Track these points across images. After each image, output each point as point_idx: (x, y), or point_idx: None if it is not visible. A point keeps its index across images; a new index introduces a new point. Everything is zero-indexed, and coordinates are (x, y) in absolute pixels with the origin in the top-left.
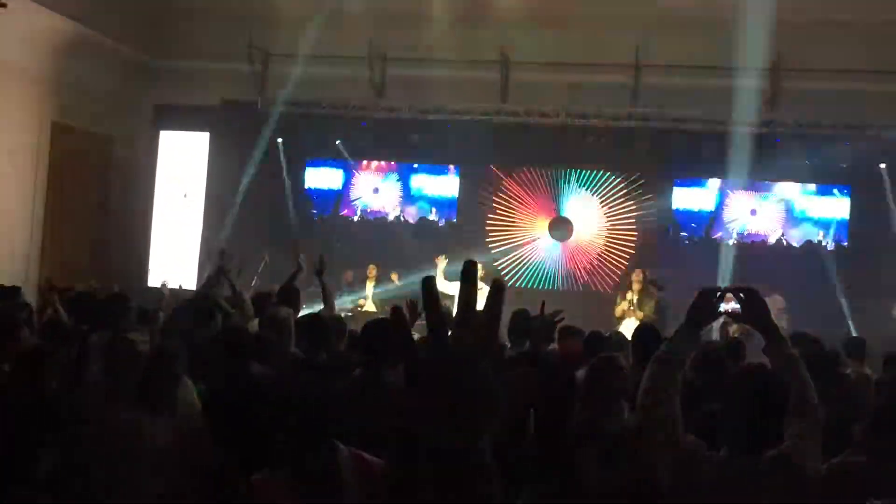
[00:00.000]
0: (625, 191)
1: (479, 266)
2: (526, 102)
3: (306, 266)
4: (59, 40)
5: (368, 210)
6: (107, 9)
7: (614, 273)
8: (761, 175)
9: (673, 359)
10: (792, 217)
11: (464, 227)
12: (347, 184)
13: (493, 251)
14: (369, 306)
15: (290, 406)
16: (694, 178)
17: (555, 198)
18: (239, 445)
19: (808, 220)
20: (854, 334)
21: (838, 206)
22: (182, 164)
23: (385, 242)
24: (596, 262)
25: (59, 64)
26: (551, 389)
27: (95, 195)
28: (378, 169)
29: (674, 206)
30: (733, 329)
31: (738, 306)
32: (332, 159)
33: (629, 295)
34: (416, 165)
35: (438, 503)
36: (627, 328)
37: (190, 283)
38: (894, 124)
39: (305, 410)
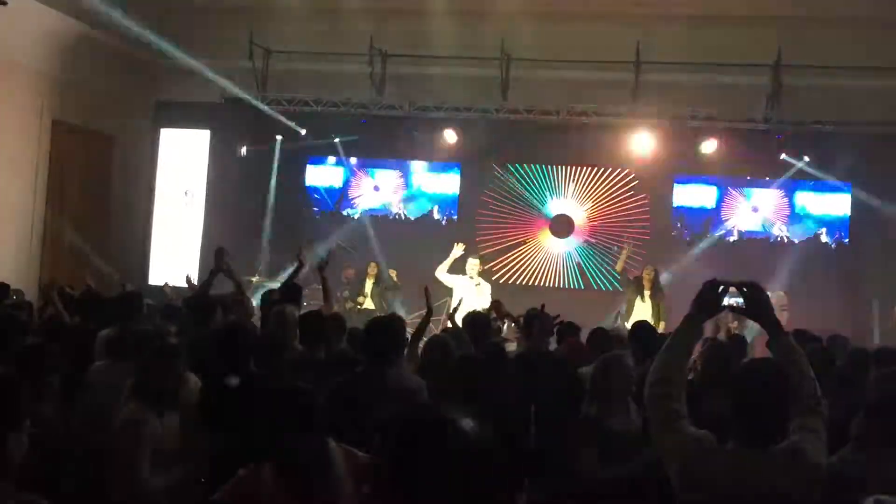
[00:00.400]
0: (625, 188)
1: (478, 263)
2: (526, 99)
3: (307, 263)
4: (59, 38)
5: (369, 207)
6: (107, 7)
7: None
8: (762, 172)
9: (679, 350)
10: (793, 214)
11: (464, 224)
12: (348, 181)
13: (493, 248)
14: (368, 304)
15: (290, 403)
16: (694, 176)
17: (556, 195)
18: (237, 441)
19: (809, 217)
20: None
21: (839, 203)
22: (183, 161)
23: (386, 240)
24: (596, 259)
25: (61, 62)
26: (554, 386)
27: (96, 193)
28: (378, 166)
29: (674, 204)
30: (733, 326)
31: (741, 300)
32: (334, 157)
33: (645, 293)
34: (416, 163)
35: (429, 497)
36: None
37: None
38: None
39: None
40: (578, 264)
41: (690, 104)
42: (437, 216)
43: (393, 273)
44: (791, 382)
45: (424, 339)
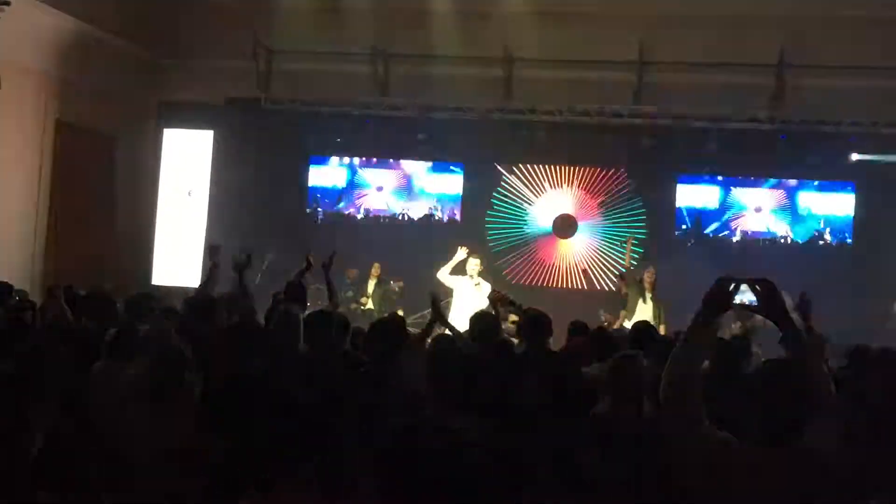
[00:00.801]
0: (628, 188)
1: (479, 262)
2: (529, 99)
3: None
4: (62, 39)
5: (372, 208)
6: (111, 7)
7: (617, 270)
8: (766, 172)
9: (693, 349)
10: (796, 214)
11: (468, 225)
12: (351, 181)
13: (495, 248)
14: (370, 305)
15: (294, 402)
16: (698, 176)
17: (558, 195)
18: (240, 441)
19: (813, 217)
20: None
21: (843, 204)
22: (186, 161)
23: (389, 240)
24: (599, 259)
25: (64, 62)
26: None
27: (100, 193)
28: (381, 166)
29: (677, 204)
30: (738, 325)
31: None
32: (337, 157)
33: (647, 294)
34: (419, 163)
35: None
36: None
37: (194, 281)
38: None
39: (309, 407)
40: (580, 264)
41: (693, 104)
42: (439, 216)
43: (397, 285)
44: (810, 384)
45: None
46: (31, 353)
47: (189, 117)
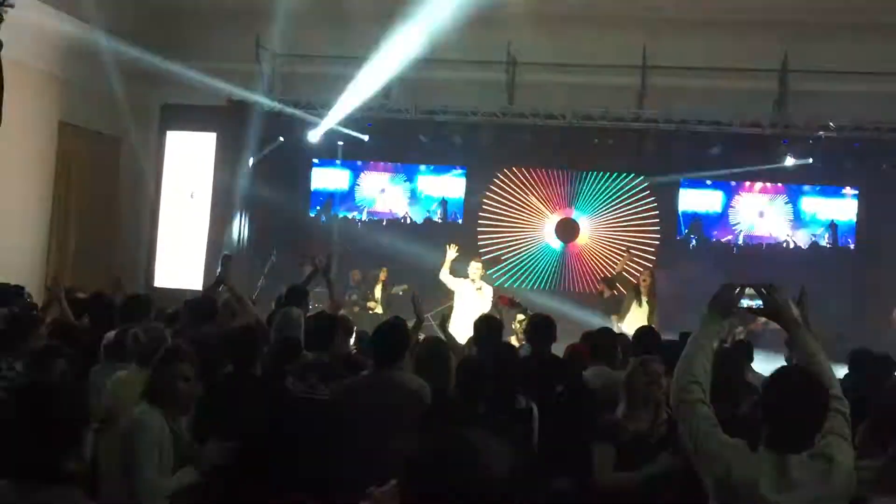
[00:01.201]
0: (631, 192)
1: (480, 266)
2: (532, 104)
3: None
4: (66, 40)
5: (374, 210)
6: (115, 9)
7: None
8: (769, 176)
9: (701, 354)
10: (799, 219)
11: (469, 228)
12: (354, 184)
13: (497, 252)
14: (378, 308)
15: (293, 406)
16: (700, 180)
17: (560, 199)
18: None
19: (816, 221)
20: None
21: (846, 208)
22: (189, 164)
23: (391, 243)
24: (601, 263)
25: (67, 64)
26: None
27: (102, 195)
28: (384, 169)
29: (680, 208)
30: (738, 330)
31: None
32: (339, 160)
33: (643, 298)
34: (422, 166)
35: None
36: (630, 327)
37: (196, 283)
38: None
39: (310, 409)
40: (582, 268)
41: (697, 109)
42: (442, 219)
43: (401, 289)
44: (826, 390)
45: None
46: (38, 355)
47: (192, 120)
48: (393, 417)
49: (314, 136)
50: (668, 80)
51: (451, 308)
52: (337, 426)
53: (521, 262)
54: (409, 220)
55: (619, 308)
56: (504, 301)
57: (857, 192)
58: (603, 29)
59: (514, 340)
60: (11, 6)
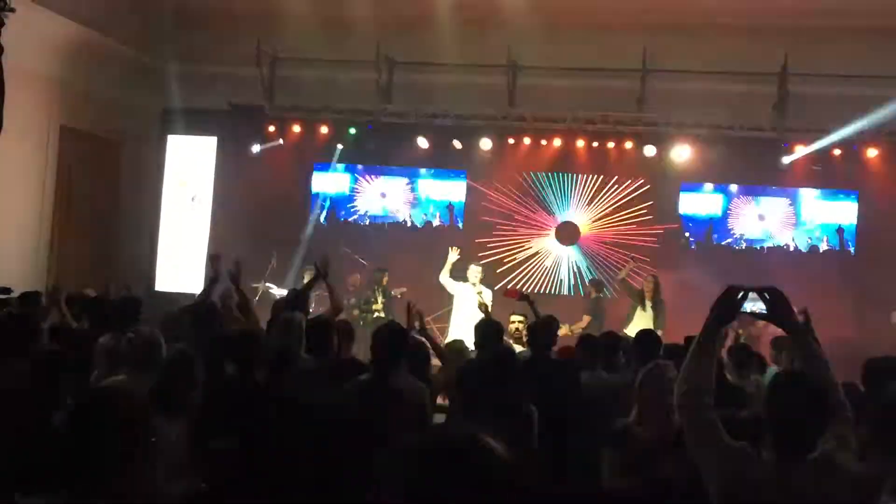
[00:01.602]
0: (631, 196)
1: (480, 270)
2: (533, 107)
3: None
4: (68, 45)
5: (375, 215)
6: (116, 14)
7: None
8: (768, 180)
9: (704, 357)
10: (799, 222)
11: (470, 232)
12: (354, 188)
13: (499, 255)
14: (381, 314)
15: (294, 410)
16: (700, 184)
17: (562, 202)
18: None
19: (816, 225)
20: None
21: (846, 212)
22: (190, 167)
23: (392, 247)
24: (601, 267)
25: (68, 68)
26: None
27: (104, 199)
28: (385, 173)
29: (680, 212)
30: (742, 333)
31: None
32: (340, 163)
33: (647, 303)
34: (422, 170)
35: None
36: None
37: (197, 287)
38: None
39: (308, 414)
40: (581, 273)
41: (696, 112)
42: (442, 223)
43: (399, 291)
44: (829, 395)
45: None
46: (45, 359)
47: (193, 123)
48: (392, 421)
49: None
50: (668, 84)
51: (450, 312)
52: (336, 431)
53: (522, 265)
54: (409, 224)
55: (599, 309)
56: (513, 294)
57: (856, 195)
58: (603, 32)
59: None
60: (13, 10)
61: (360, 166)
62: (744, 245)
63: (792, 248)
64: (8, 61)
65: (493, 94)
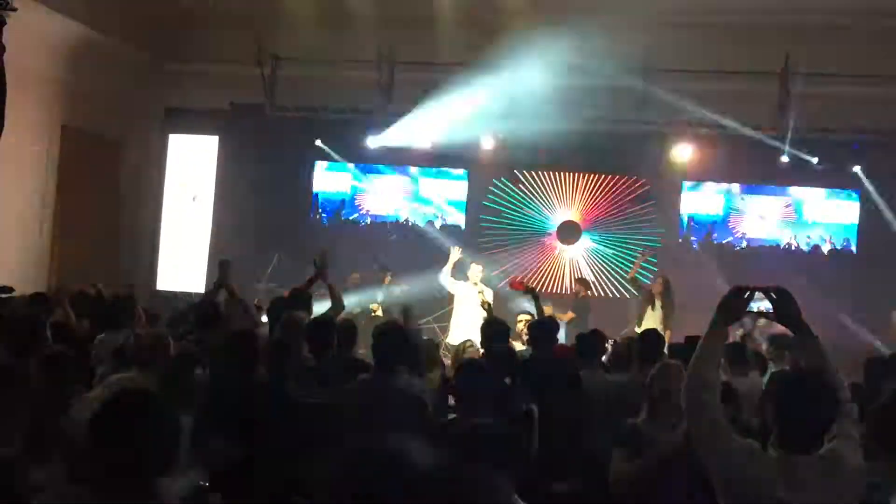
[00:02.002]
0: (633, 196)
1: (481, 269)
2: (534, 107)
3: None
4: (69, 44)
5: (376, 214)
6: (117, 13)
7: (622, 278)
8: (770, 179)
9: (710, 356)
10: (801, 222)
11: (472, 231)
12: (356, 187)
13: (500, 254)
14: (380, 313)
15: (293, 409)
16: (701, 184)
17: (563, 202)
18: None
19: (818, 225)
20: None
21: (848, 211)
22: (191, 167)
23: (393, 246)
24: (604, 266)
25: (69, 68)
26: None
27: (105, 198)
28: (386, 172)
29: (681, 212)
30: (738, 333)
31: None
32: (341, 163)
33: (657, 302)
34: (424, 169)
35: None
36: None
37: (199, 286)
38: None
39: (309, 413)
40: (582, 271)
41: (698, 112)
42: (444, 222)
43: (400, 290)
44: (836, 392)
45: None
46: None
47: (194, 123)
48: (392, 421)
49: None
50: (669, 84)
51: (450, 312)
52: (336, 430)
53: (523, 264)
54: (410, 223)
55: (583, 308)
56: (518, 286)
57: (858, 194)
58: (603, 31)
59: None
60: (14, 10)
61: (361, 165)
62: (745, 244)
63: (793, 248)
64: (9, 61)
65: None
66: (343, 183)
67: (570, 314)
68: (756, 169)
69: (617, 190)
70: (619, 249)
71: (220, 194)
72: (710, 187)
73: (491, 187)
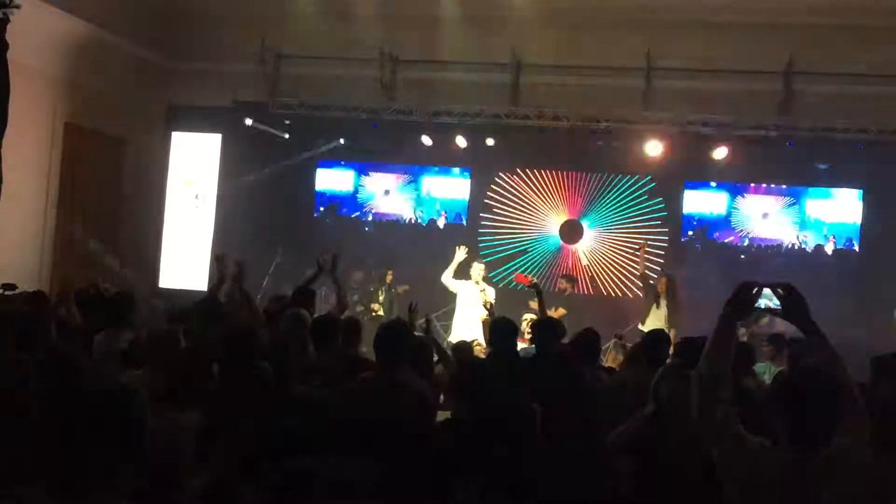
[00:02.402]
0: (636, 194)
1: (483, 268)
2: (537, 105)
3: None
4: (72, 42)
5: (379, 212)
6: (120, 10)
7: (624, 276)
8: (773, 179)
9: (721, 353)
10: (803, 221)
11: (474, 229)
12: (358, 186)
13: (502, 253)
14: (381, 312)
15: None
16: (705, 182)
17: (565, 201)
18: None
19: (821, 224)
20: None
21: (851, 211)
22: (194, 165)
23: (395, 244)
24: (606, 265)
25: (73, 65)
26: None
27: (108, 196)
28: (389, 171)
29: (685, 211)
30: (741, 333)
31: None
32: (343, 161)
33: (661, 301)
34: (426, 168)
35: None
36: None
37: (201, 284)
38: None
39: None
40: (586, 270)
41: (701, 111)
42: (446, 221)
43: (402, 288)
44: (838, 388)
45: None
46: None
47: (197, 121)
48: (395, 419)
49: None
50: (672, 83)
51: (452, 311)
52: (340, 428)
53: (526, 263)
54: (413, 222)
55: (570, 306)
56: (524, 280)
57: (861, 194)
58: (607, 30)
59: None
60: (18, 7)
61: (363, 164)
62: (748, 243)
63: (796, 247)
64: (12, 58)
65: (497, 92)
66: (345, 181)
67: (562, 310)
68: (759, 168)
69: (619, 189)
70: (622, 248)
71: (223, 192)
72: (713, 186)
73: (493, 186)
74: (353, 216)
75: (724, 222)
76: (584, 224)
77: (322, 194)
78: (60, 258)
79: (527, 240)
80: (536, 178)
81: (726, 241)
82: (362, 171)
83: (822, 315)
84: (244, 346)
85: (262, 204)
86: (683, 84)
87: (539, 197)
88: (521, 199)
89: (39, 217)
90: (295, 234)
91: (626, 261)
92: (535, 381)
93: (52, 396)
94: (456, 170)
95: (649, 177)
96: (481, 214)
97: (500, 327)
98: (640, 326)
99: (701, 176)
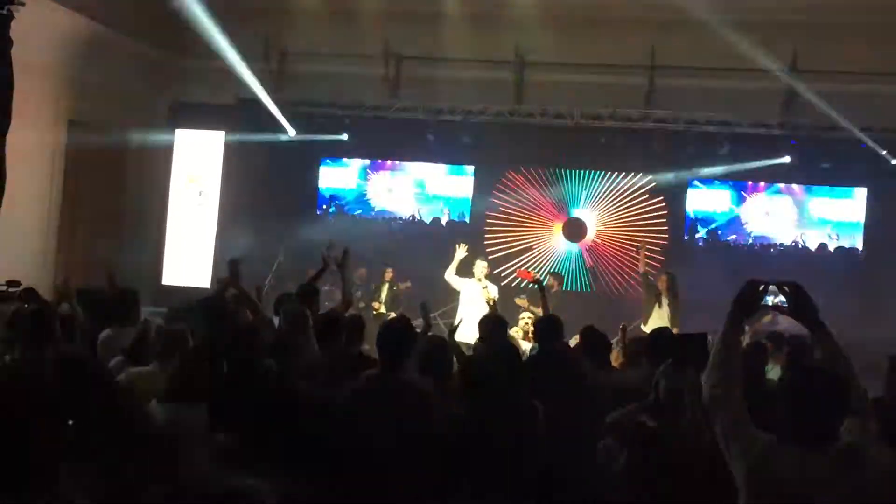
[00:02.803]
0: (639, 192)
1: (485, 266)
2: (541, 103)
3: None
4: (75, 38)
5: (382, 210)
6: (124, 7)
7: (627, 275)
8: (777, 177)
9: (729, 350)
10: (807, 219)
11: (477, 227)
12: (361, 183)
13: (505, 252)
14: (383, 309)
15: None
16: (708, 180)
17: (569, 199)
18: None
19: (824, 222)
20: None
21: (854, 209)
22: (198, 162)
23: (399, 242)
24: (609, 263)
25: (76, 62)
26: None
27: (111, 193)
28: (392, 168)
29: (688, 209)
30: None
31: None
32: (347, 158)
33: (663, 300)
34: (430, 165)
35: None
36: (650, 328)
37: (204, 281)
38: None
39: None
40: (589, 268)
41: (705, 109)
42: (450, 219)
43: (404, 285)
44: (850, 386)
45: None
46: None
47: (201, 118)
48: (399, 418)
49: None
50: (676, 80)
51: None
52: (343, 427)
53: (530, 261)
54: (416, 220)
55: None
56: (527, 275)
57: (865, 192)
58: (611, 29)
59: (520, 340)
60: (22, 4)
61: (367, 161)
62: (752, 241)
63: (800, 245)
64: (16, 55)
65: (500, 90)
66: (349, 178)
67: (525, 300)
68: (763, 166)
69: (623, 187)
70: (625, 247)
71: (226, 189)
72: (717, 184)
73: (497, 184)
74: (356, 214)
75: (728, 220)
76: (587, 222)
77: (326, 192)
78: (64, 254)
79: (530, 237)
80: (540, 176)
81: (729, 239)
82: (365, 168)
83: (825, 313)
84: (249, 344)
85: (265, 201)
86: (686, 82)
87: (543, 195)
88: (524, 196)
89: (43, 213)
90: (298, 231)
91: (629, 259)
92: (537, 379)
93: (71, 396)
94: (459, 167)
95: (653, 175)
96: (488, 213)
97: (489, 324)
98: (642, 327)
99: (705, 174)
